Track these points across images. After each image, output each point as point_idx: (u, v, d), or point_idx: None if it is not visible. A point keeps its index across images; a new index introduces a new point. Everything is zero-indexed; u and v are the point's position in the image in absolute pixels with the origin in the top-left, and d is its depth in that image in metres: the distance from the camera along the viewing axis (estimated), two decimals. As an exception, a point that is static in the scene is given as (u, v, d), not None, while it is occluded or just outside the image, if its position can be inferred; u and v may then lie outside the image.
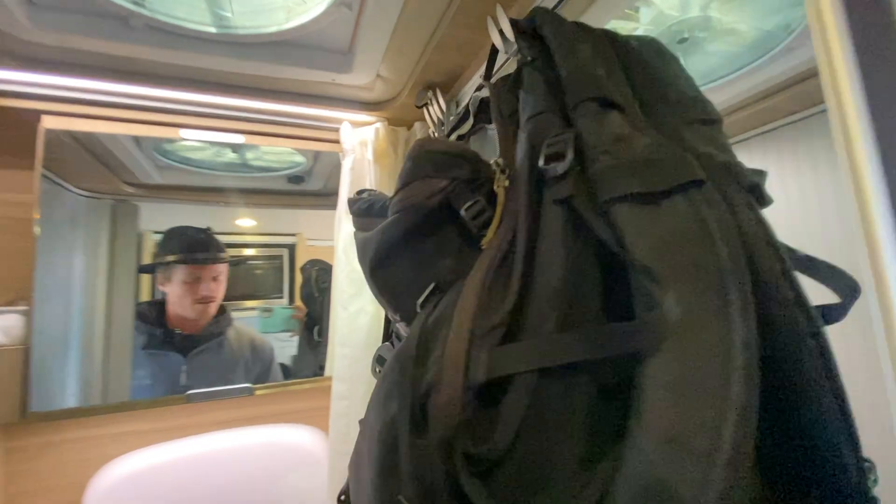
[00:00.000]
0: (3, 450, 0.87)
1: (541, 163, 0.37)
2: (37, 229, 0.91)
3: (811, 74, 0.77)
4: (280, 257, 2.26)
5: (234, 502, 0.92)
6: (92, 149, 1.08)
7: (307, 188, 1.76)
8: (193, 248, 1.36)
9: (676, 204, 0.30)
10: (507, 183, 0.40)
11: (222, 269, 1.39)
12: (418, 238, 0.43)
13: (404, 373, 0.37)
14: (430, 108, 0.94)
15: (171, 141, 1.40)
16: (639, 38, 0.45)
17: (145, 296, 1.39)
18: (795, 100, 0.82)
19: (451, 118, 0.91)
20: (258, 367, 1.36)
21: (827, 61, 0.28)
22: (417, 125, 1.07)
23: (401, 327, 0.51)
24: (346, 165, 1.03)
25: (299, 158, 1.47)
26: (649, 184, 0.31)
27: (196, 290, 1.32)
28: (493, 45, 0.71)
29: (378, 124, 1.04)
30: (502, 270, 0.37)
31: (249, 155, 1.42)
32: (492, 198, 0.41)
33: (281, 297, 2.26)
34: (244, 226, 2.08)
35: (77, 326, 1.02)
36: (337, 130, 1.07)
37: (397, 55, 0.86)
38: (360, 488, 0.46)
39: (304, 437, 1.05)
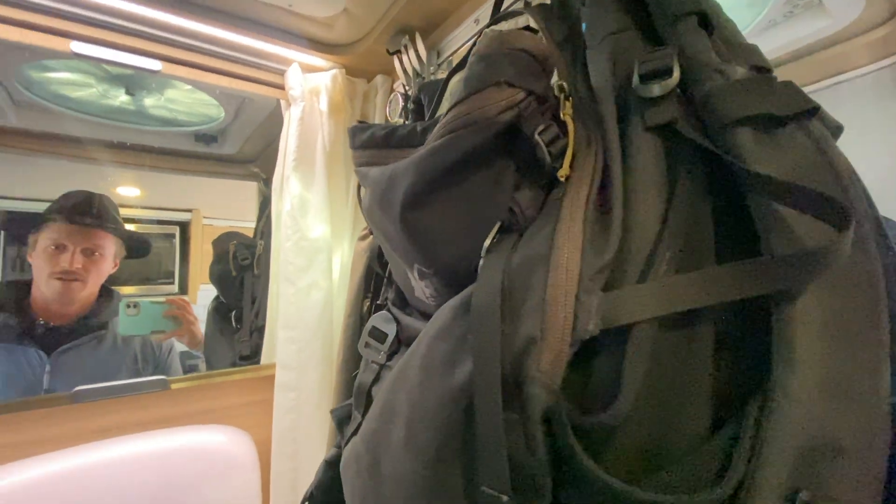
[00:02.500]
0: None
1: (634, 82, 0.32)
2: None
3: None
4: (171, 236, 1.94)
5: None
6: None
7: (217, 151, 1.50)
8: (69, 205, 1.03)
9: (795, 133, 0.28)
10: (571, 111, 0.34)
11: (103, 243, 1.06)
12: (475, 166, 0.35)
13: (486, 325, 0.29)
14: (405, 56, 0.83)
15: (44, 66, 1.03)
16: None
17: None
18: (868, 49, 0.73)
19: (432, 68, 0.82)
20: (149, 367, 1.10)
21: None
22: (379, 78, 0.94)
23: (422, 286, 0.43)
24: (295, 115, 0.87)
25: (216, 111, 1.22)
26: (776, 106, 0.28)
27: (56, 260, 0.98)
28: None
29: (334, 71, 0.89)
30: (597, 204, 0.32)
31: (149, 101, 1.14)
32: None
33: (171, 284, 1.94)
34: (126, 195, 1.74)
35: None
36: (280, 73, 0.91)
37: (374, -14, 0.74)
38: (381, 490, 0.38)
39: (229, 440, 0.86)
